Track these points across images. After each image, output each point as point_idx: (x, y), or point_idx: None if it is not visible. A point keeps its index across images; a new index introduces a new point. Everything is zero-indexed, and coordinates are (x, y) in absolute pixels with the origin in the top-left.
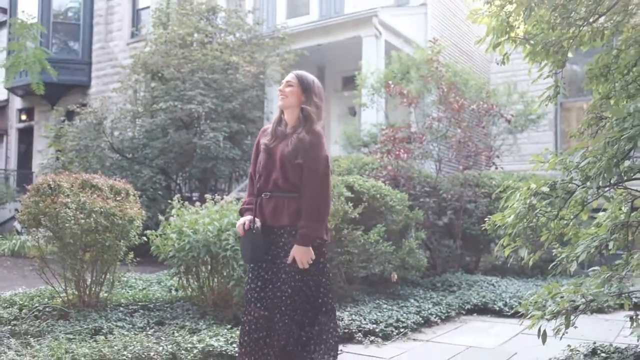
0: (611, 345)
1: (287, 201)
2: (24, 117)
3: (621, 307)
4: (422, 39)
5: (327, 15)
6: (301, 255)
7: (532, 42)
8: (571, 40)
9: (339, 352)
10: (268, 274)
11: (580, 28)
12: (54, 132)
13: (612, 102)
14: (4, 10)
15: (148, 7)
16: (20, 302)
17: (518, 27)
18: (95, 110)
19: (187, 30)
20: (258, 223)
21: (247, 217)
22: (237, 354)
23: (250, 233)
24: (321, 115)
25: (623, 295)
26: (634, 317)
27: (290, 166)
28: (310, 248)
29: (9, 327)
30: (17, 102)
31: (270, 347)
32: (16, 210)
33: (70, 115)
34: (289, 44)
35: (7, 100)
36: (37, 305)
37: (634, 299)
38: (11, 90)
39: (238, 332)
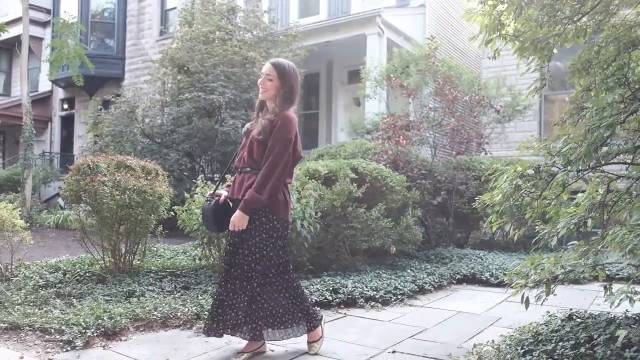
0: (586, 311)
1: (247, 176)
2: (66, 106)
3: (595, 279)
4: (420, 36)
5: (335, 15)
6: (236, 218)
7: (521, 39)
8: (557, 37)
9: (341, 316)
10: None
11: (566, 26)
12: (92, 119)
13: (592, 94)
14: (47, 11)
15: (175, 8)
16: (64, 268)
17: (508, 25)
18: (128, 100)
19: (210, 29)
20: (222, 197)
21: (216, 192)
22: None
23: (206, 204)
24: (294, 97)
25: (598, 267)
26: (608, 286)
27: (255, 145)
28: (246, 215)
29: (55, 289)
30: (60, 93)
31: None
32: (60, 188)
33: (106, 104)
34: (300, 41)
35: (51, 91)
36: (78, 270)
37: (607, 272)
38: (55, 82)
39: None
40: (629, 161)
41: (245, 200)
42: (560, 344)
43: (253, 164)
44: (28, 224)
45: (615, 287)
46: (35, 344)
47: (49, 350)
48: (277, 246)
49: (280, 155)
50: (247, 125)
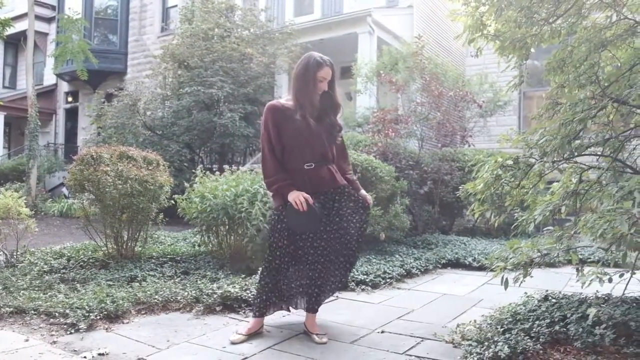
0: (560, 292)
1: (333, 167)
2: (70, 99)
3: (569, 262)
4: (408, 35)
5: (329, 14)
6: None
7: (501, 38)
8: (534, 38)
9: (333, 298)
10: None
11: (542, 27)
12: (95, 112)
13: (566, 90)
14: (52, 7)
15: (176, 6)
16: (68, 254)
17: (490, 26)
18: (130, 94)
19: (209, 26)
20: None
21: (304, 194)
22: (263, 298)
23: (314, 208)
24: None
25: (571, 250)
26: (580, 268)
27: (331, 141)
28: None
29: (59, 274)
30: (64, 86)
31: None
32: (64, 177)
33: (109, 97)
34: (295, 39)
35: (55, 85)
36: (82, 256)
37: (579, 255)
38: (59, 75)
39: (252, 281)
40: (599, 153)
41: (357, 182)
42: (537, 322)
43: (331, 157)
44: (33, 212)
45: (587, 269)
46: (40, 327)
47: (53, 333)
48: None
49: None
50: (308, 119)
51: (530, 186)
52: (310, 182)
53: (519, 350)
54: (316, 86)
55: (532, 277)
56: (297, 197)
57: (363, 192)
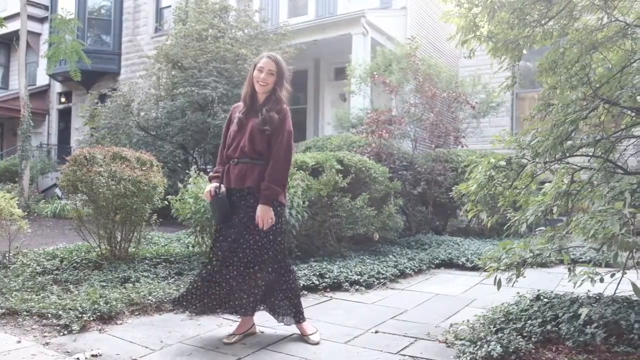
0: (552, 292)
1: (250, 167)
2: (63, 99)
3: (561, 262)
4: (402, 37)
5: (323, 15)
6: (264, 213)
7: (494, 39)
8: (526, 39)
9: (327, 299)
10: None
11: (534, 29)
12: (89, 113)
13: (558, 91)
14: (45, 7)
15: (169, 6)
16: (61, 255)
17: (483, 27)
18: (124, 94)
19: (203, 26)
20: (223, 188)
21: (213, 184)
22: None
23: (217, 198)
24: (286, 92)
25: (563, 250)
26: (572, 268)
27: (259, 136)
28: (270, 208)
29: (52, 276)
30: (57, 87)
31: None
32: (57, 178)
33: (102, 98)
34: (289, 40)
35: (48, 85)
36: (75, 258)
37: (571, 255)
38: (52, 76)
39: None
40: (590, 154)
41: (266, 195)
42: (529, 322)
43: (255, 155)
44: (26, 213)
45: (579, 269)
46: (32, 329)
47: (46, 334)
48: (283, 230)
49: (290, 148)
50: (239, 115)
51: (523, 187)
52: (227, 177)
53: (511, 350)
54: (252, 79)
55: (524, 277)
56: (208, 187)
57: (259, 208)
